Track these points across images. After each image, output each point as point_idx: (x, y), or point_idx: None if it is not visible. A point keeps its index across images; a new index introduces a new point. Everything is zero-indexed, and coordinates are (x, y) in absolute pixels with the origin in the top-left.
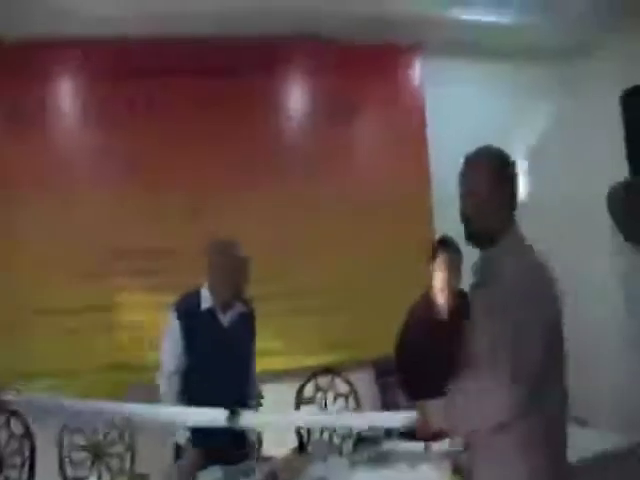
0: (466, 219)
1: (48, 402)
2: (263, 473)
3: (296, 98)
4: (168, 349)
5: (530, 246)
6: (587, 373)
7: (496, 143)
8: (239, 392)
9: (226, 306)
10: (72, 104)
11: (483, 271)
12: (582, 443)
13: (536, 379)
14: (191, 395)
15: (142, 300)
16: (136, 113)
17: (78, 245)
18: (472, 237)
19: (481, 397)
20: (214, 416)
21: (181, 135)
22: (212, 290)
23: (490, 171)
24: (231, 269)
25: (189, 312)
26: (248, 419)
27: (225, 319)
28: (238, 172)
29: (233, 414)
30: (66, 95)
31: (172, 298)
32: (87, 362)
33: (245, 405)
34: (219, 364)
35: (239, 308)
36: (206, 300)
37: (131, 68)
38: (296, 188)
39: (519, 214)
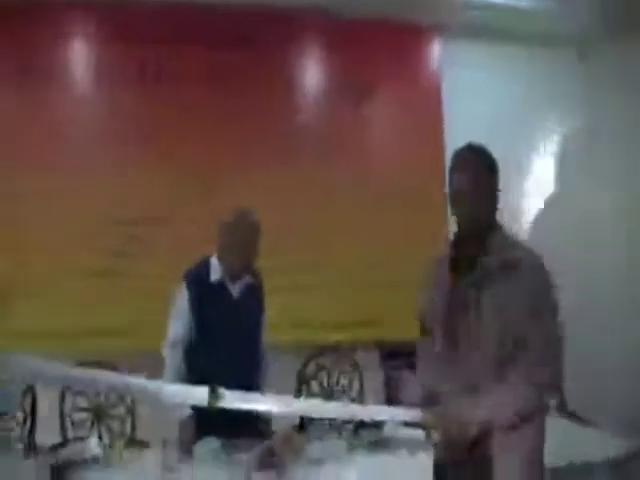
0: (460, 218)
1: (45, 367)
2: (261, 448)
3: (311, 75)
4: (175, 318)
5: (519, 241)
6: (590, 375)
7: (511, 129)
8: (248, 365)
9: (235, 277)
10: (83, 67)
11: (489, 269)
12: (586, 446)
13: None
14: (198, 368)
15: (151, 270)
16: (146, 80)
17: (85, 214)
18: (464, 236)
19: (519, 385)
20: (196, 395)
21: (191, 107)
22: (222, 260)
23: (480, 168)
24: (242, 239)
25: (199, 281)
26: (231, 400)
27: (235, 290)
28: (249, 149)
29: (214, 394)
30: (77, 57)
31: (179, 271)
32: (96, 325)
33: (254, 379)
34: (228, 335)
35: (248, 280)
36: (215, 270)
37: (143, 33)
38: (307, 169)
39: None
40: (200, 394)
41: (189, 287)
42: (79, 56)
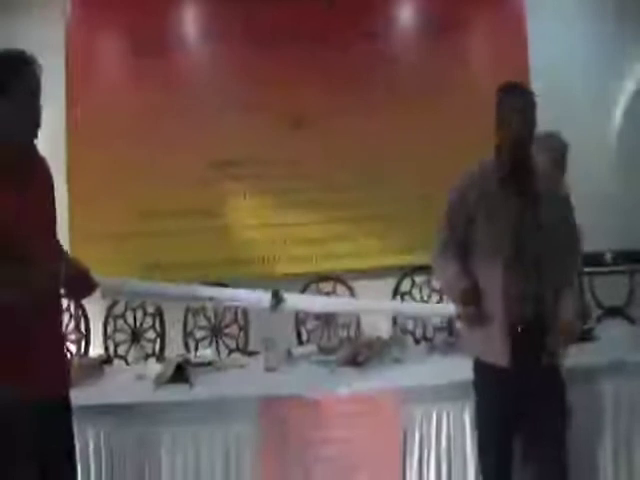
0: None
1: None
2: (345, 350)
3: (395, 13)
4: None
5: None
6: None
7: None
8: None
9: None
10: (185, 25)
11: None
12: None
13: None
14: None
15: (241, 205)
16: (236, 33)
17: (188, 155)
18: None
19: None
20: (259, 298)
21: (283, 56)
22: None
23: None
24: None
25: None
26: (293, 304)
27: None
28: (337, 91)
29: (276, 298)
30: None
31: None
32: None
33: None
34: None
35: None
36: None
37: None
38: (392, 108)
39: None
40: (264, 298)
41: None
42: (190, 17)
